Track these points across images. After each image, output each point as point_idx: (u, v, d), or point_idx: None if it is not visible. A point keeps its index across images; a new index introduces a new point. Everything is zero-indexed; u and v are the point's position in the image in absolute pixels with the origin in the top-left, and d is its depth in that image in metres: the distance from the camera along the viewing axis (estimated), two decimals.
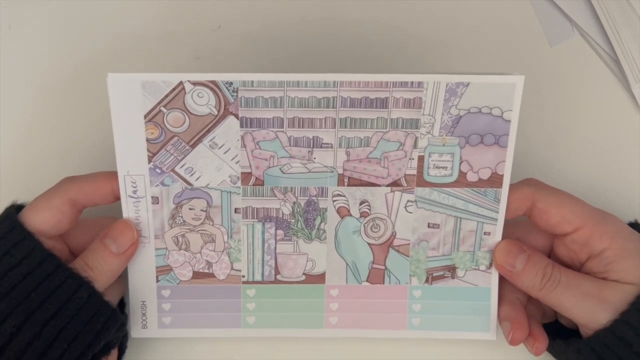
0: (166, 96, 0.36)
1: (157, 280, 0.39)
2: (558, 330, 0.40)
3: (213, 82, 0.36)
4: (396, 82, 0.36)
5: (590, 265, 0.37)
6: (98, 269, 0.36)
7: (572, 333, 0.39)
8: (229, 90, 0.36)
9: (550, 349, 0.40)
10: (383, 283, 0.40)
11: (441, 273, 0.40)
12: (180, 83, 0.35)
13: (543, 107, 0.45)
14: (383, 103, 0.37)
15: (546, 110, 0.45)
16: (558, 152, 0.45)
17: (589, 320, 0.36)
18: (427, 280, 0.40)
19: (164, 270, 0.39)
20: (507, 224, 0.40)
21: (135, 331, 0.40)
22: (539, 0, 0.47)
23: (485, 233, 0.39)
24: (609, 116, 0.45)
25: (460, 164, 0.38)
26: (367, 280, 0.40)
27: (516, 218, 0.39)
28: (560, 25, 0.46)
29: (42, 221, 0.36)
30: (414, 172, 0.38)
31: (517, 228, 0.40)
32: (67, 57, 0.45)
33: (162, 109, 0.36)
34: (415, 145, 0.38)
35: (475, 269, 0.40)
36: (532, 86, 0.44)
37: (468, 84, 0.36)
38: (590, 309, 0.36)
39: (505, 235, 0.39)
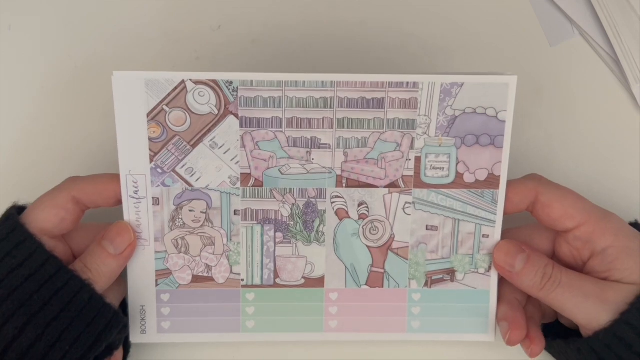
0: (168, 95, 0.37)
1: (157, 284, 0.39)
2: (558, 331, 0.40)
3: (214, 81, 0.37)
4: (392, 82, 0.37)
5: (593, 264, 0.37)
6: (97, 271, 0.37)
7: (572, 333, 0.38)
8: (229, 89, 0.37)
9: (551, 349, 0.40)
10: (382, 286, 0.40)
11: (440, 276, 0.40)
12: (182, 82, 0.37)
13: (543, 107, 0.46)
14: (379, 103, 0.38)
15: (546, 110, 0.46)
16: (558, 152, 0.45)
17: (590, 321, 0.36)
18: (426, 284, 0.40)
19: (163, 274, 0.39)
20: (509, 229, 0.40)
21: (134, 336, 0.40)
22: (539, 0, 0.47)
23: (483, 236, 0.39)
24: (609, 116, 0.46)
25: (457, 164, 0.38)
26: (366, 284, 0.40)
27: (519, 213, 0.39)
28: (560, 25, 0.46)
29: (45, 219, 0.37)
30: (411, 173, 0.39)
31: (519, 232, 0.40)
32: (67, 58, 0.45)
33: (165, 107, 0.37)
34: (412, 146, 0.38)
35: (475, 272, 0.40)
36: (532, 86, 0.46)
37: (462, 84, 0.37)
38: (592, 310, 0.36)
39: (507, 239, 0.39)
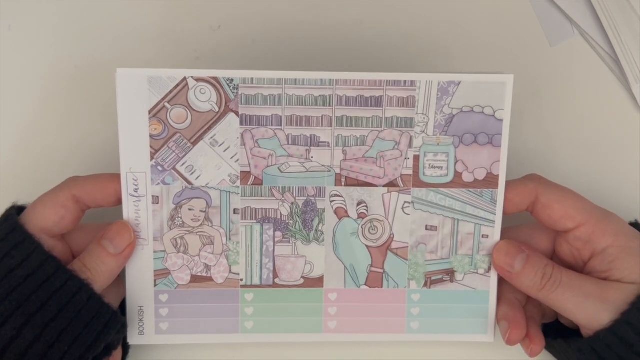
0: (170, 92, 0.37)
1: (155, 285, 0.39)
2: (558, 331, 0.39)
3: (215, 78, 0.37)
4: (390, 80, 0.37)
5: (593, 264, 0.37)
6: (96, 270, 0.37)
7: (572, 333, 0.38)
8: (229, 86, 0.37)
9: (551, 349, 0.39)
10: (381, 287, 0.40)
11: (440, 277, 0.40)
12: (184, 79, 0.37)
13: (543, 107, 0.46)
14: (377, 102, 0.38)
15: (546, 110, 0.46)
16: (558, 152, 0.45)
17: (591, 321, 0.36)
18: (425, 284, 0.40)
19: (162, 274, 0.39)
20: (509, 228, 0.40)
21: (132, 337, 0.39)
22: (539, 0, 0.47)
23: (483, 236, 0.39)
24: (609, 116, 0.46)
25: (456, 163, 0.39)
26: (365, 284, 0.40)
27: (518, 213, 0.39)
28: (560, 25, 0.46)
29: (45, 217, 0.37)
30: (410, 172, 0.39)
31: (519, 231, 0.40)
32: (68, 58, 0.45)
33: (166, 104, 0.37)
34: (410, 145, 0.38)
35: (474, 273, 0.40)
36: (532, 86, 0.46)
37: (459, 82, 0.38)
38: (593, 310, 0.36)
39: (507, 238, 0.39)
